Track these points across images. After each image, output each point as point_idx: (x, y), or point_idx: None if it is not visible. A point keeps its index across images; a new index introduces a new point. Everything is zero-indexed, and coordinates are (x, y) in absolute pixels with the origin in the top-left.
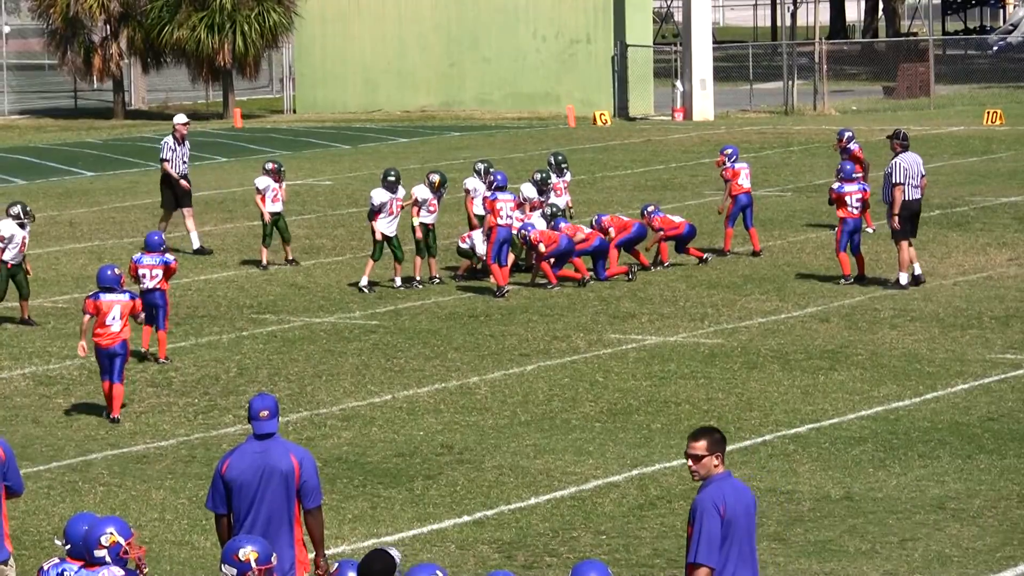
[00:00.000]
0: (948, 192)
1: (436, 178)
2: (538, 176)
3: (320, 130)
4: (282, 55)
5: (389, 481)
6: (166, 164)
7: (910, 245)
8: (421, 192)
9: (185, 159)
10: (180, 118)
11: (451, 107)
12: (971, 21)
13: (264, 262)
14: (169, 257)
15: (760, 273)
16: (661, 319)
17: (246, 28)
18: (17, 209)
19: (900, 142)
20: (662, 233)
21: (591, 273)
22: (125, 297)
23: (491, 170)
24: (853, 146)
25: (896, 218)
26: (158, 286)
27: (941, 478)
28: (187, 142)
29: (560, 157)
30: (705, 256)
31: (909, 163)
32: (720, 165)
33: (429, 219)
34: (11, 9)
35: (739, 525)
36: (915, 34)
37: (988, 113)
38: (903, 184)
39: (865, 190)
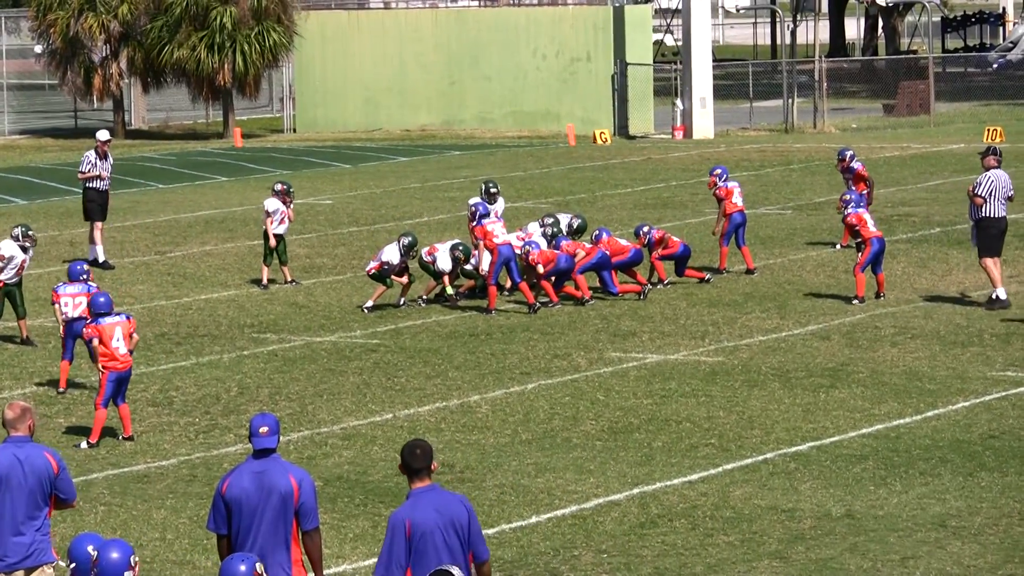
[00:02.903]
0: (949, 210)
1: (408, 240)
2: (550, 232)
3: (320, 149)
4: (282, 74)
5: (390, 500)
6: (82, 176)
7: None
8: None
9: (105, 174)
10: (102, 134)
11: (451, 126)
12: (971, 39)
13: (265, 281)
14: (93, 285)
15: (761, 291)
16: (662, 337)
17: (246, 47)
18: (19, 231)
19: (996, 158)
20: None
21: (591, 292)
22: (122, 318)
23: (470, 201)
24: (856, 164)
25: (978, 197)
26: (83, 315)
27: (942, 496)
28: (109, 157)
29: (581, 222)
30: (706, 276)
31: (999, 179)
32: (712, 186)
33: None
34: (11, 29)
35: (433, 539)
36: (915, 52)
37: (988, 131)
38: (989, 199)
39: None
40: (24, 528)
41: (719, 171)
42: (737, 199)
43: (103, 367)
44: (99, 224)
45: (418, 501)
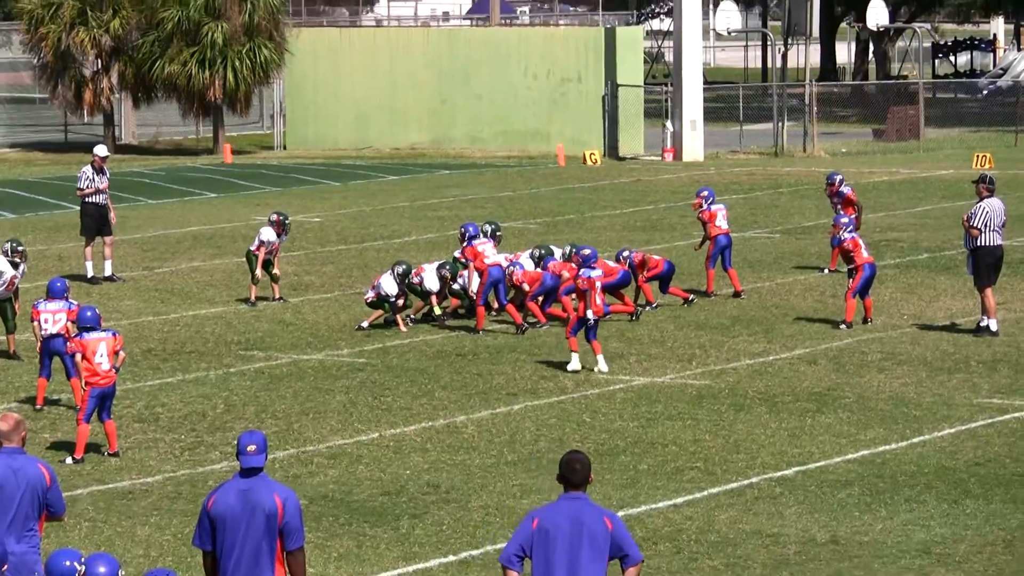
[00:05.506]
0: (937, 236)
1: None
2: (537, 253)
3: (310, 167)
4: (273, 91)
5: (375, 520)
6: (80, 193)
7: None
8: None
9: (101, 188)
10: (100, 149)
11: (441, 144)
12: (961, 65)
13: (252, 299)
14: (73, 302)
15: (748, 315)
16: (649, 360)
17: (237, 64)
18: (8, 246)
19: (987, 186)
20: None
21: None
22: (108, 335)
23: (463, 224)
24: (845, 189)
25: (975, 229)
26: (61, 332)
27: (927, 523)
28: (107, 172)
29: (575, 249)
30: (690, 297)
31: (993, 208)
32: (697, 208)
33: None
34: (2, 43)
35: (557, 541)
36: (905, 77)
37: (977, 157)
38: (984, 230)
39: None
40: (15, 538)
41: (705, 193)
42: (721, 222)
43: (85, 382)
44: (108, 239)
45: (558, 506)
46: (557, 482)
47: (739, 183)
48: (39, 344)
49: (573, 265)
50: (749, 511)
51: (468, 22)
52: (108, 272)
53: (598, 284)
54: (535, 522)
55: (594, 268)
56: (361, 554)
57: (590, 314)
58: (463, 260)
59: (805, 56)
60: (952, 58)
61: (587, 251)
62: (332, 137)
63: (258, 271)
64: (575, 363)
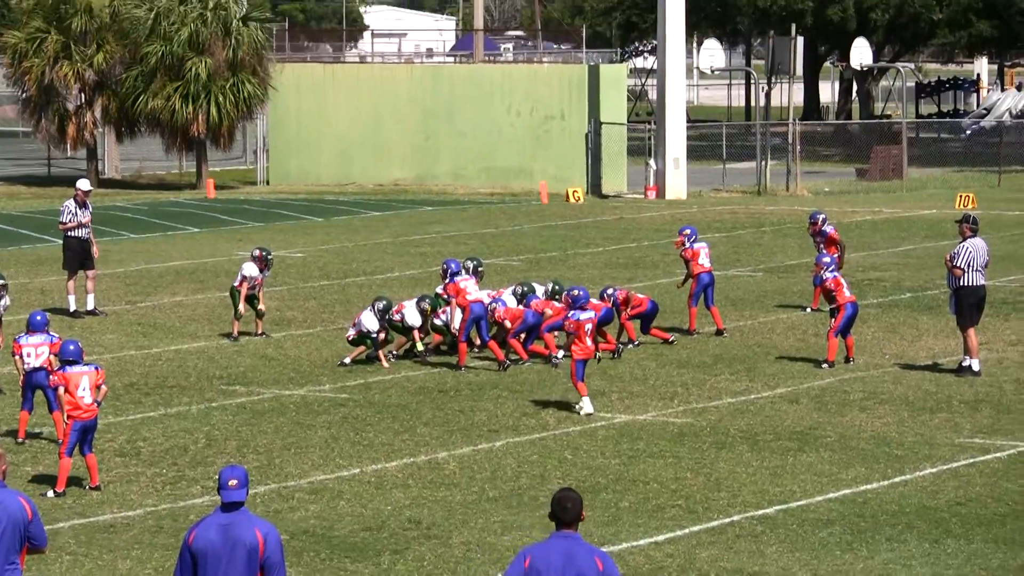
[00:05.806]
0: (920, 275)
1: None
2: (519, 290)
3: (292, 202)
4: (256, 126)
5: (356, 555)
6: (62, 227)
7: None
8: (364, 324)
9: (84, 222)
10: (83, 183)
11: (425, 181)
12: (945, 104)
13: (235, 333)
14: (55, 335)
15: (730, 353)
16: (631, 397)
17: (221, 99)
18: None
19: (970, 226)
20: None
21: (561, 351)
22: (90, 369)
23: (446, 260)
24: (828, 228)
25: (958, 270)
26: (44, 365)
27: (908, 562)
28: (89, 206)
29: (557, 286)
30: (671, 338)
31: (976, 248)
32: (679, 246)
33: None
34: None
35: None
36: (889, 116)
37: (960, 197)
38: (968, 269)
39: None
40: None
41: (688, 231)
42: (704, 260)
43: (67, 416)
44: (90, 273)
45: (551, 543)
46: (549, 520)
47: (722, 221)
48: (22, 378)
49: (555, 304)
50: (730, 549)
51: (452, 59)
52: (90, 306)
53: (587, 327)
54: (527, 560)
55: (585, 310)
56: None
57: (560, 354)
58: (445, 296)
59: (788, 95)
60: (935, 98)
61: (577, 292)
62: (315, 173)
63: (241, 306)
64: (587, 406)
